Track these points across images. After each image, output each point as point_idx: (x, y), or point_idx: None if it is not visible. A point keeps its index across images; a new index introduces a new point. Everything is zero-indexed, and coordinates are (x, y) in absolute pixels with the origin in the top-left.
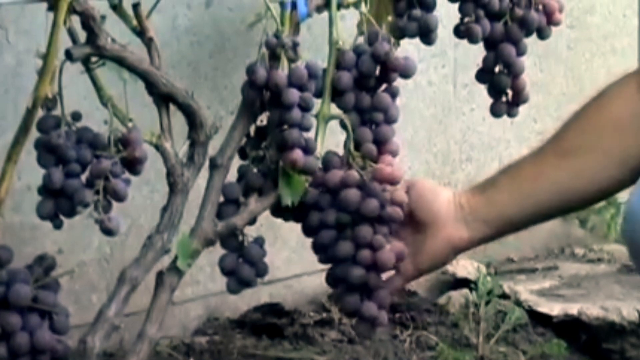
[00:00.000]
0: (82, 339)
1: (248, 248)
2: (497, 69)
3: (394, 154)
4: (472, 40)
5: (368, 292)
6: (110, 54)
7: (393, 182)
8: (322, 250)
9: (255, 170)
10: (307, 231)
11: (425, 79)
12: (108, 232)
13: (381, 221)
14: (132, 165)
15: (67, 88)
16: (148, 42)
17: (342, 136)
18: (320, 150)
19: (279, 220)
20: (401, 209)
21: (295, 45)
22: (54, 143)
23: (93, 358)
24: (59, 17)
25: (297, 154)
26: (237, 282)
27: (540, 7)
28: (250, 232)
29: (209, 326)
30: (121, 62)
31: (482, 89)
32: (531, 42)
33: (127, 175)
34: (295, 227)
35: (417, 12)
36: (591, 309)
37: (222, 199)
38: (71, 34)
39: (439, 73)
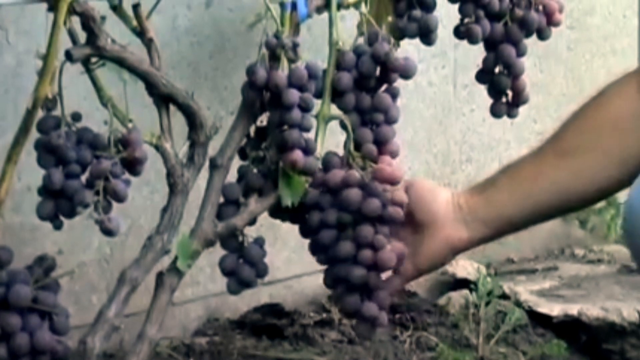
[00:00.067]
0: (82, 340)
1: (248, 249)
2: (497, 70)
3: (394, 154)
4: (472, 40)
5: (368, 293)
6: (110, 54)
7: (393, 182)
8: (321, 251)
9: (255, 170)
10: (306, 231)
11: (426, 80)
12: (108, 232)
13: (382, 221)
14: (132, 165)
15: (67, 89)
16: (148, 43)
17: (342, 137)
18: (320, 151)
19: (279, 221)
20: (401, 209)
21: (295, 46)
22: (54, 144)
23: (93, 359)
24: (59, 17)
25: (297, 154)
26: (237, 282)
27: (540, 7)
28: (250, 232)
29: (209, 327)
30: (121, 62)
31: (482, 89)
32: (531, 42)
33: (127, 175)
34: (296, 228)
35: (417, 12)
36: (591, 310)
37: (222, 199)
38: (71, 34)
39: (439, 74)
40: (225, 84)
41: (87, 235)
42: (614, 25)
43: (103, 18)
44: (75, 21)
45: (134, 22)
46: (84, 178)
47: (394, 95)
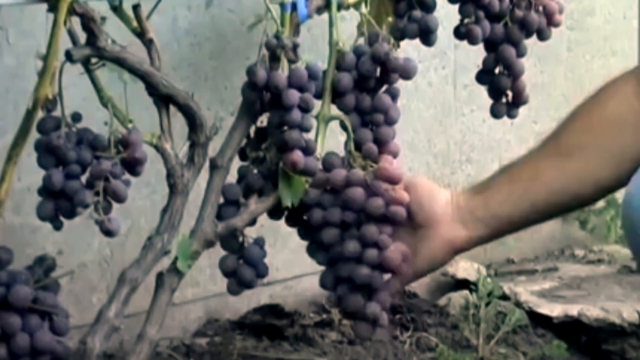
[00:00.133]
0: (82, 340)
1: (248, 249)
2: (497, 70)
3: (394, 155)
4: (472, 41)
5: (371, 293)
6: (111, 55)
7: (394, 181)
8: (323, 250)
9: (255, 171)
10: (306, 231)
11: (426, 80)
12: (108, 233)
13: (385, 220)
14: (132, 166)
15: (67, 89)
16: (148, 44)
17: (342, 137)
18: (320, 152)
19: (280, 222)
20: (403, 208)
21: (295, 47)
22: (54, 144)
23: (93, 359)
24: (59, 18)
25: (297, 155)
26: (237, 283)
27: (541, 8)
28: (251, 233)
29: (209, 327)
30: (121, 63)
31: (482, 90)
32: (531, 43)
33: (127, 176)
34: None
35: (417, 13)
36: (591, 310)
37: (222, 200)
38: (71, 35)
39: (439, 74)
40: (226, 84)
41: (87, 236)
42: (614, 26)
43: (103, 19)
44: (76, 22)
45: (134, 23)
46: (84, 179)
47: (394, 95)
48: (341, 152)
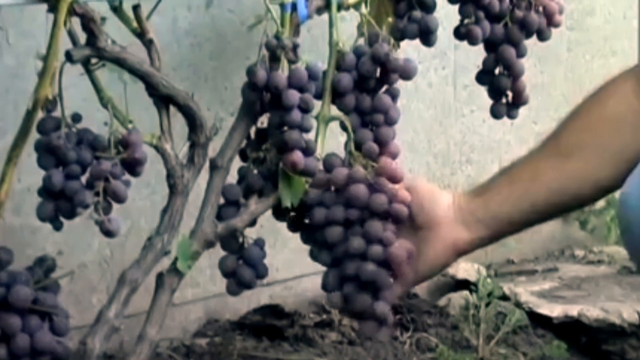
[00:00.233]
0: (82, 341)
1: (248, 250)
2: (497, 71)
3: (394, 155)
4: (472, 41)
5: (377, 291)
6: (111, 55)
7: (396, 178)
8: (327, 249)
9: (255, 171)
10: (311, 233)
11: (426, 81)
12: (108, 233)
13: (389, 217)
14: (132, 166)
15: (67, 90)
16: (148, 44)
17: (342, 138)
18: (320, 152)
19: (280, 222)
20: (406, 207)
21: (295, 47)
22: (54, 145)
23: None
24: (59, 18)
25: (297, 155)
26: (237, 283)
27: (541, 8)
28: (251, 233)
29: (209, 328)
30: (121, 63)
31: (482, 90)
32: (531, 43)
33: (127, 176)
34: None
35: (417, 13)
36: (591, 311)
37: (222, 200)
38: (71, 35)
39: (439, 75)
40: (226, 85)
41: (87, 236)
42: (614, 26)
43: (103, 19)
44: (76, 22)
45: (134, 23)
46: (84, 179)
47: (394, 96)
48: (341, 153)
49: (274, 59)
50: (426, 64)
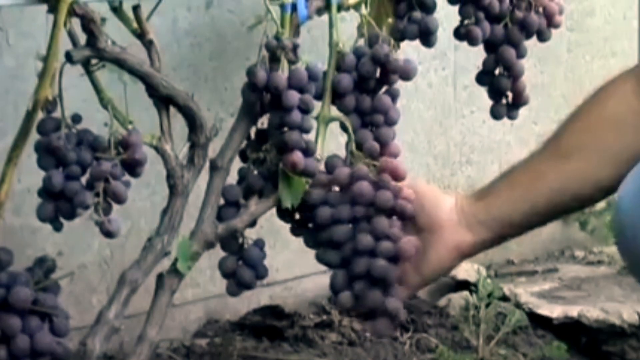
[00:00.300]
0: (82, 342)
1: (248, 250)
2: (497, 71)
3: (394, 156)
4: (472, 42)
5: (386, 287)
6: (110, 56)
7: (399, 176)
8: (334, 249)
9: (255, 172)
10: (315, 236)
11: (426, 81)
12: (108, 234)
13: (394, 214)
14: (132, 167)
15: (67, 90)
16: (148, 45)
17: (342, 138)
18: (320, 153)
19: (280, 223)
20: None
21: (295, 48)
22: (54, 145)
23: None
24: (59, 19)
25: (297, 156)
26: (237, 284)
27: (541, 9)
28: (251, 234)
29: (209, 328)
30: (121, 64)
31: (482, 91)
32: (531, 44)
33: (127, 177)
34: None
35: (417, 14)
36: (591, 311)
37: (222, 201)
38: (71, 36)
39: (439, 75)
40: (226, 85)
41: (87, 237)
42: (614, 26)
43: (103, 20)
44: (76, 23)
45: (134, 24)
46: (84, 180)
47: (394, 96)
48: (341, 154)
49: (274, 60)
50: (426, 65)
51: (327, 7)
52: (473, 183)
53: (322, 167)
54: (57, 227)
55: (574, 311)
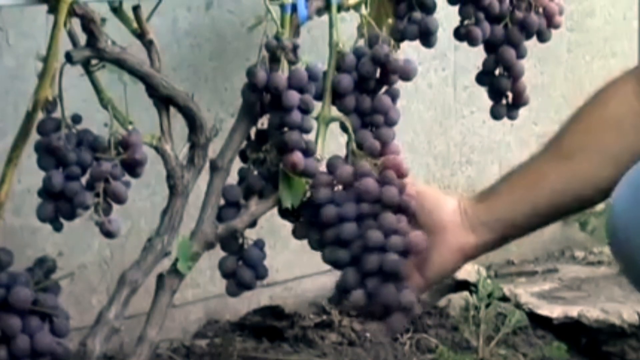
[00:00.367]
0: (83, 342)
1: (248, 251)
2: (497, 72)
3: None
4: (472, 42)
5: (400, 281)
6: (111, 56)
7: (401, 172)
8: (343, 248)
9: (255, 172)
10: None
11: (426, 82)
12: (108, 234)
13: (399, 210)
14: (132, 167)
15: (67, 91)
16: (148, 45)
17: (342, 139)
18: (321, 153)
19: (280, 223)
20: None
21: (295, 48)
22: (54, 146)
23: None
24: (60, 19)
25: (297, 156)
26: (237, 284)
27: (541, 9)
28: (251, 234)
29: (209, 329)
30: (121, 64)
31: (482, 91)
32: (531, 44)
33: (127, 177)
34: None
35: (417, 14)
36: (591, 312)
37: (222, 201)
38: (71, 36)
39: (439, 75)
40: (226, 85)
41: (87, 237)
42: (614, 27)
43: (103, 20)
44: (76, 23)
45: (134, 24)
46: (84, 180)
47: (394, 97)
48: (342, 154)
49: (274, 60)
50: (426, 65)
51: (327, 7)
52: (473, 183)
53: (322, 167)
54: (57, 228)
55: (574, 311)
